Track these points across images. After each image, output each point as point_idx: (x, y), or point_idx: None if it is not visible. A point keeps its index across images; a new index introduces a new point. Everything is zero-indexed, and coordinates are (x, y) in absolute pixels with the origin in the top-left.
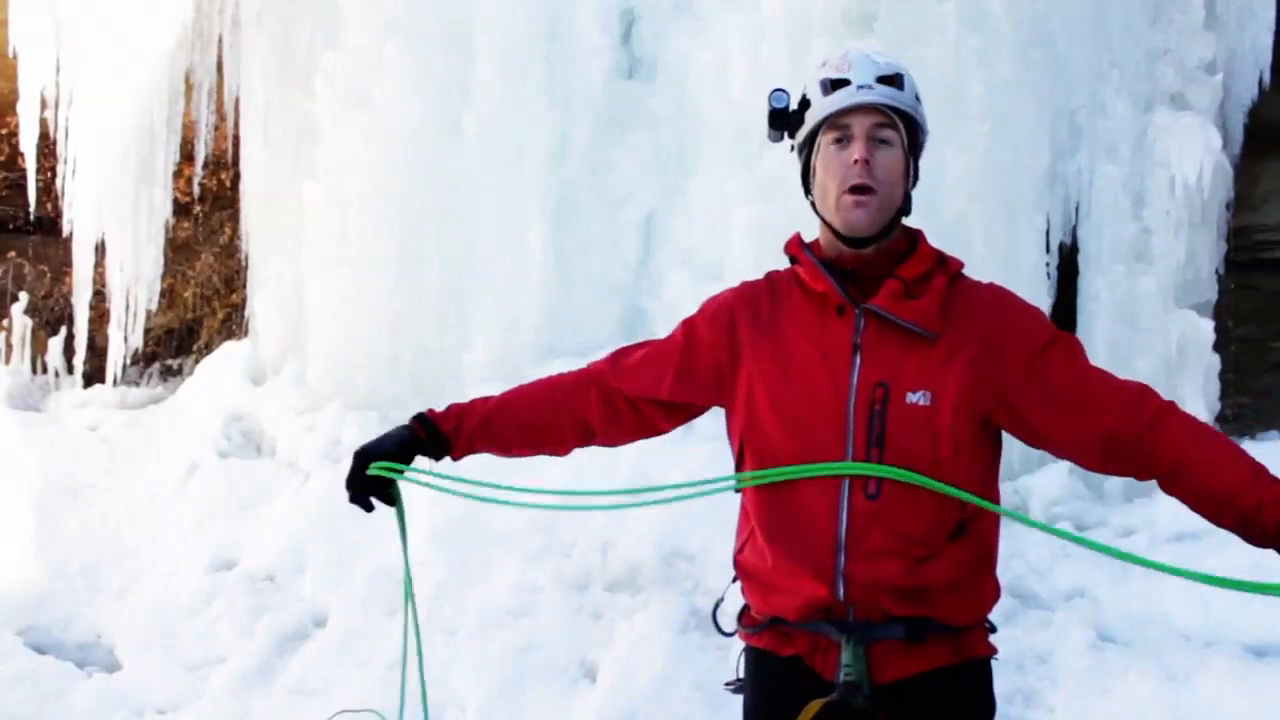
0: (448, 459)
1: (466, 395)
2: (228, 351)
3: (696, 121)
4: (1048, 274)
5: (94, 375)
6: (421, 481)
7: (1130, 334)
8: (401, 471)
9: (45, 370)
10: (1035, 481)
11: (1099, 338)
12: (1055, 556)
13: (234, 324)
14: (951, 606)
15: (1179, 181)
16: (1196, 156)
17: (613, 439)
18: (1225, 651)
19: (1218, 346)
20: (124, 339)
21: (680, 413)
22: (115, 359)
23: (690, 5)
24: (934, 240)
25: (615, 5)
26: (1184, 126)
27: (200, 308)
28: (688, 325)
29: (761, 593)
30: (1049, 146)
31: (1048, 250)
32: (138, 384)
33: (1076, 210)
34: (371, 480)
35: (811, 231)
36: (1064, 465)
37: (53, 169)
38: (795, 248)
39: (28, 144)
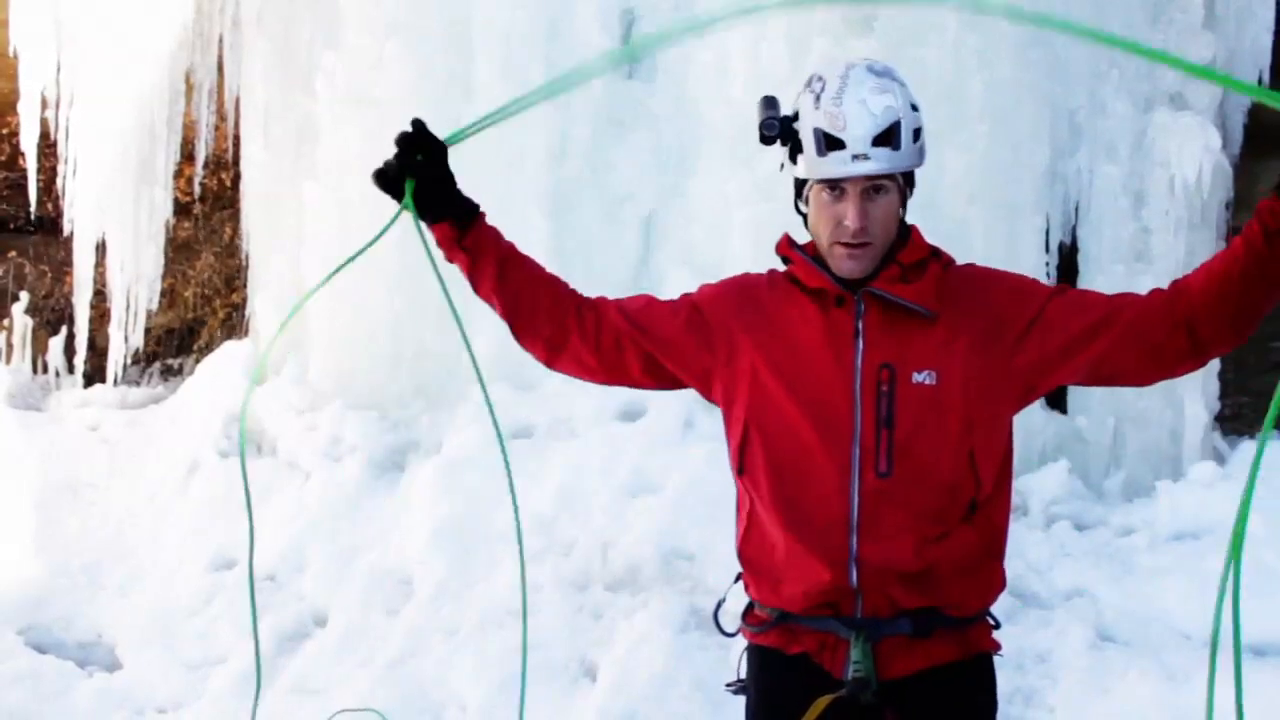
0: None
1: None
2: (228, 351)
3: (696, 121)
4: (1047, 274)
5: (94, 375)
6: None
7: None
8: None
9: (46, 370)
10: (1034, 481)
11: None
12: (1055, 556)
13: (234, 323)
14: (959, 592)
15: (1178, 181)
16: (1196, 156)
17: (579, 365)
18: (1225, 651)
19: None
20: (124, 339)
21: (659, 372)
22: (116, 358)
23: (690, 5)
24: (934, 240)
25: (615, 5)
26: (1183, 126)
27: (201, 307)
28: (691, 302)
29: (769, 584)
30: (1048, 146)
31: (1047, 250)
32: (138, 383)
33: (1076, 210)
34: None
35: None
36: (1063, 464)
37: (53, 169)
38: (786, 248)
39: (28, 144)
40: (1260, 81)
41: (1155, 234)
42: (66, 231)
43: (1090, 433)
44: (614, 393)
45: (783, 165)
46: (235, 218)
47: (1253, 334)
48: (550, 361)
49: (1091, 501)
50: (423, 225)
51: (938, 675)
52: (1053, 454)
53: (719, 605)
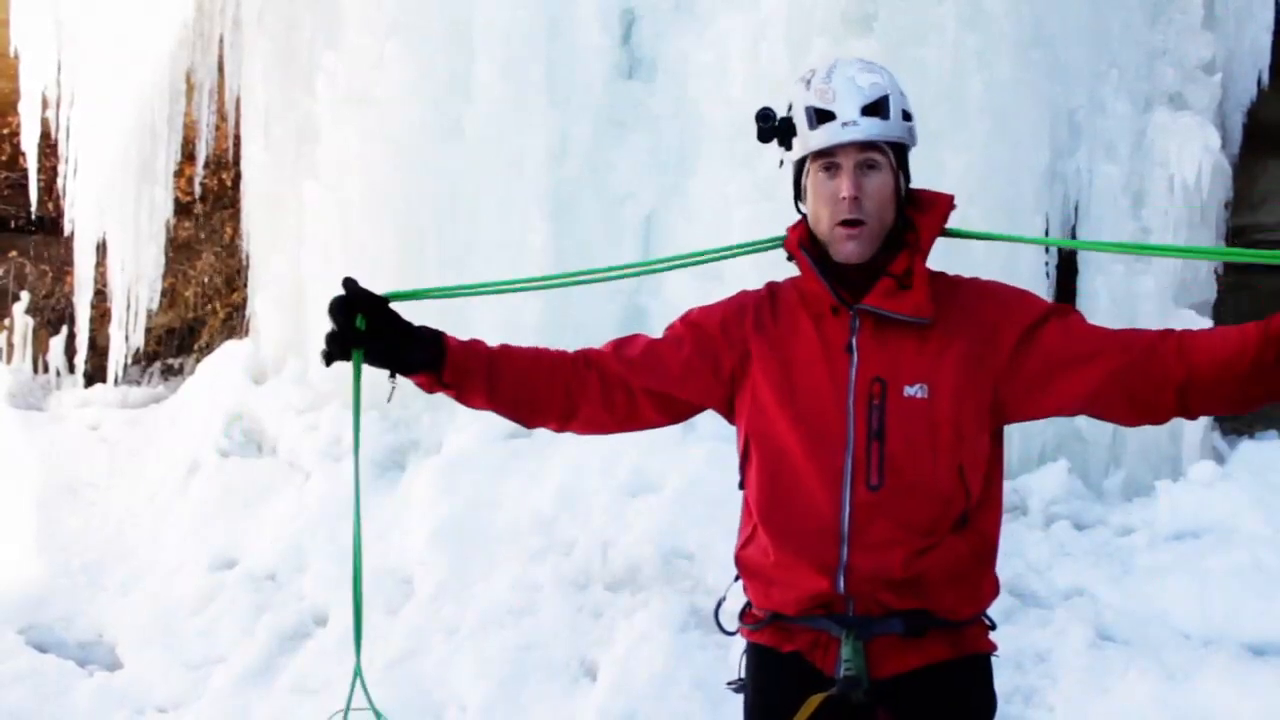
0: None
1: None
2: (229, 351)
3: (696, 121)
4: (1047, 273)
5: (95, 374)
6: (406, 296)
7: None
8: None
9: (46, 369)
10: (1034, 481)
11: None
12: (1054, 555)
13: (235, 323)
14: (949, 599)
15: (1178, 181)
16: (1195, 156)
17: (592, 425)
18: (1224, 650)
19: None
20: (125, 338)
21: (675, 408)
22: (116, 358)
23: (690, 5)
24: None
25: (615, 5)
26: (1183, 126)
27: (201, 307)
28: (692, 325)
29: (762, 588)
30: (1048, 146)
31: (1047, 250)
32: (139, 383)
33: (1076, 210)
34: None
35: None
36: (1062, 464)
37: (54, 168)
38: (794, 246)
39: (29, 144)
40: (1260, 81)
41: (1155, 234)
42: (67, 231)
43: (1090, 432)
44: None
45: (781, 162)
46: (236, 218)
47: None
48: (563, 430)
49: (1091, 501)
50: (360, 371)
51: (930, 675)
52: (1052, 453)
53: (719, 604)
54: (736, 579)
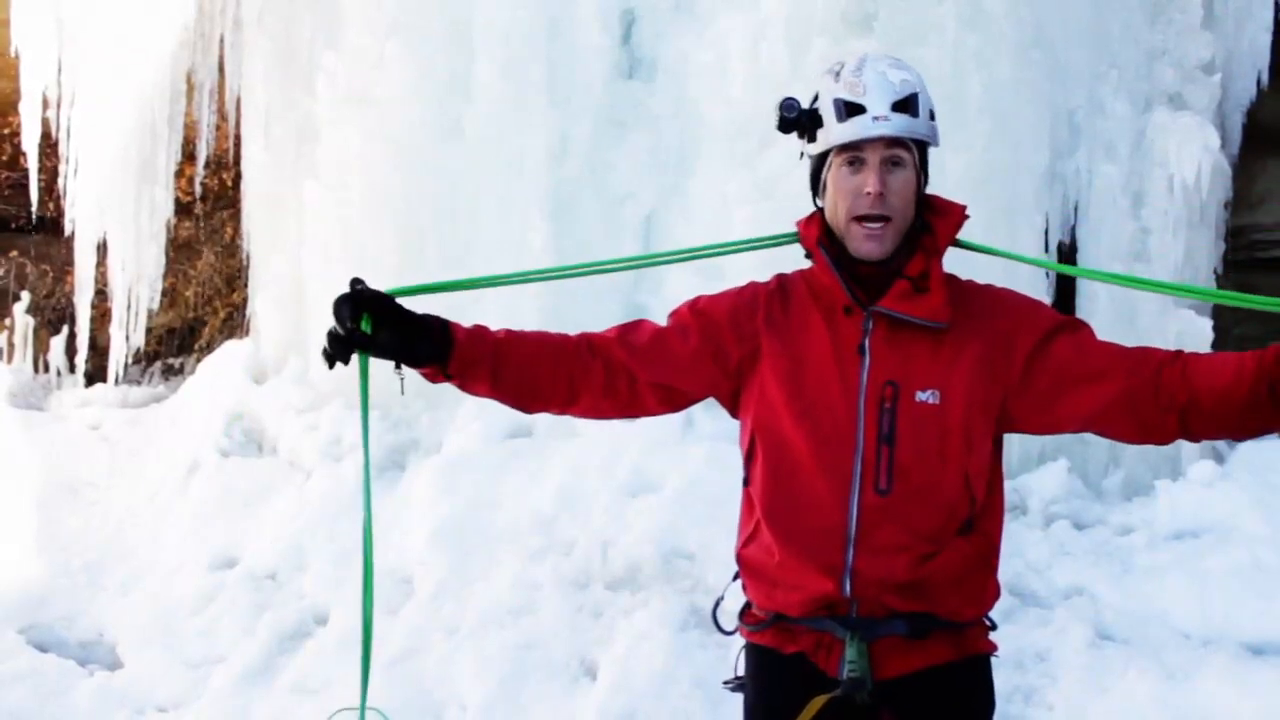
0: (406, 369)
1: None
2: (229, 350)
3: (696, 121)
4: (1046, 274)
5: (96, 374)
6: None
7: (1129, 334)
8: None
9: (47, 369)
10: (1034, 480)
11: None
12: (1054, 555)
13: (235, 323)
14: (953, 602)
15: (1177, 181)
16: (1195, 156)
17: (593, 412)
18: (1224, 650)
19: (1216, 346)
20: (125, 338)
21: (677, 398)
22: (117, 358)
23: (690, 5)
24: None
25: (615, 5)
26: (1182, 126)
27: (201, 307)
28: (700, 315)
29: (765, 589)
30: (1048, 146)
31: (1046, 250)
32: (139, 383)
33: (1075, 210)
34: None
35: None
36: (1062, 464)
37: (55, 168)
38: (812, 243)
39: (30, 144)
40: (1259, 81)
41: (1154, 234)
42: (68, 231)
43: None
44: None
45: (802, 154)
46: (236, 217)
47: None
48: (563, 413)
49: (1091, 500)
50: (368, 370)
51: (933, 676)
52: (1052, 453)
53: (717, 604)
54: (735, 578)
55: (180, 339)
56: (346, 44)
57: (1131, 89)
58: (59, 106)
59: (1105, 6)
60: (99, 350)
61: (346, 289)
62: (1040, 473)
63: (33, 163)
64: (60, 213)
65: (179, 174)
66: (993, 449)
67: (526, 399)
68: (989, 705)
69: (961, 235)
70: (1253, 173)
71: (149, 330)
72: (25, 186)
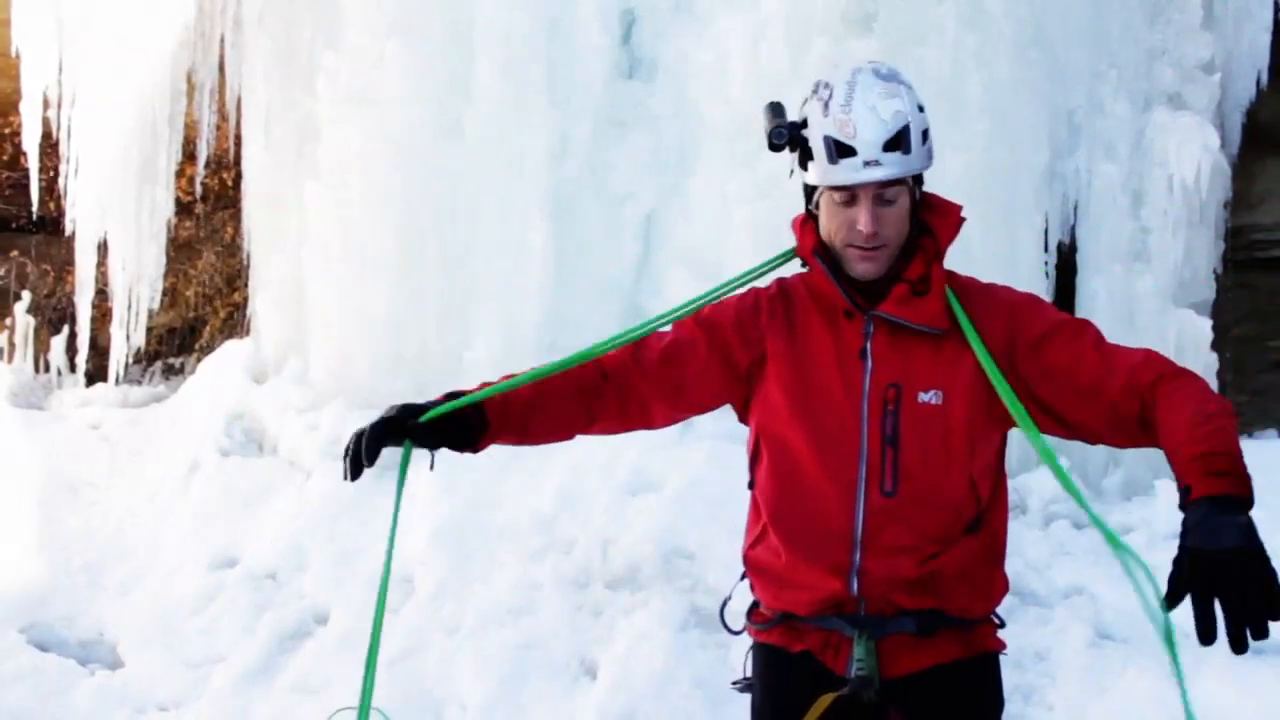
0: (430, 450)
1: None
2: (229, 350)
3: (696, 121)
4: (1046, 273)
5: (96, 374)
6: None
7: (1128, 333)
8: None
9: (48, 369)
10: (1034, 480)
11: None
12: (1054, 554)
13: (235, 323)
14: (962, 598)
15: (1177, 181)
16: (1194, 156)
17: (607, 431)
18: (1224, 649)
19: (1215, 345)
20: (126, 338)
21: (690, 410)
22: (117, 358)
23: (690, 5)
24: None
25: (615, 5)
26: (1182, 126)
27: (202, 306)
28: (706, 326)
29: (773, 589)
30: (1047, 146)
31: (1046, 249)
32: (140, 382)
33: (1075, 209)
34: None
35: None
36: (1062, 463)
37: (55, 168)
38: (808, 253)
39: (30, 143)
40: (1259, 81)
41: (1154, 233)
42: (68, 231)
43: None
44: None
45: (792, 172)
46: (236, 217)
47: None
48: (585, 434)
49: (1090, 500)
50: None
51: (942, 674)
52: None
53: (725, 603)
54: (743, 578)
55: (181, 339)
56: (347, 44)
57: (1131, 89)
58: (59, 106)
59: (1105, 6)
60: (99, 350)
61: (387, 417)
62: (1040, 472)
63: (33, 162)
64: (61, 212)
65: (179, 174)
66: (997, 447)
67: (550, 438)
68: (998, 703)
69: (961, 236)
70: (1252, 173)
71: (149, 330)
72: (26, 186)
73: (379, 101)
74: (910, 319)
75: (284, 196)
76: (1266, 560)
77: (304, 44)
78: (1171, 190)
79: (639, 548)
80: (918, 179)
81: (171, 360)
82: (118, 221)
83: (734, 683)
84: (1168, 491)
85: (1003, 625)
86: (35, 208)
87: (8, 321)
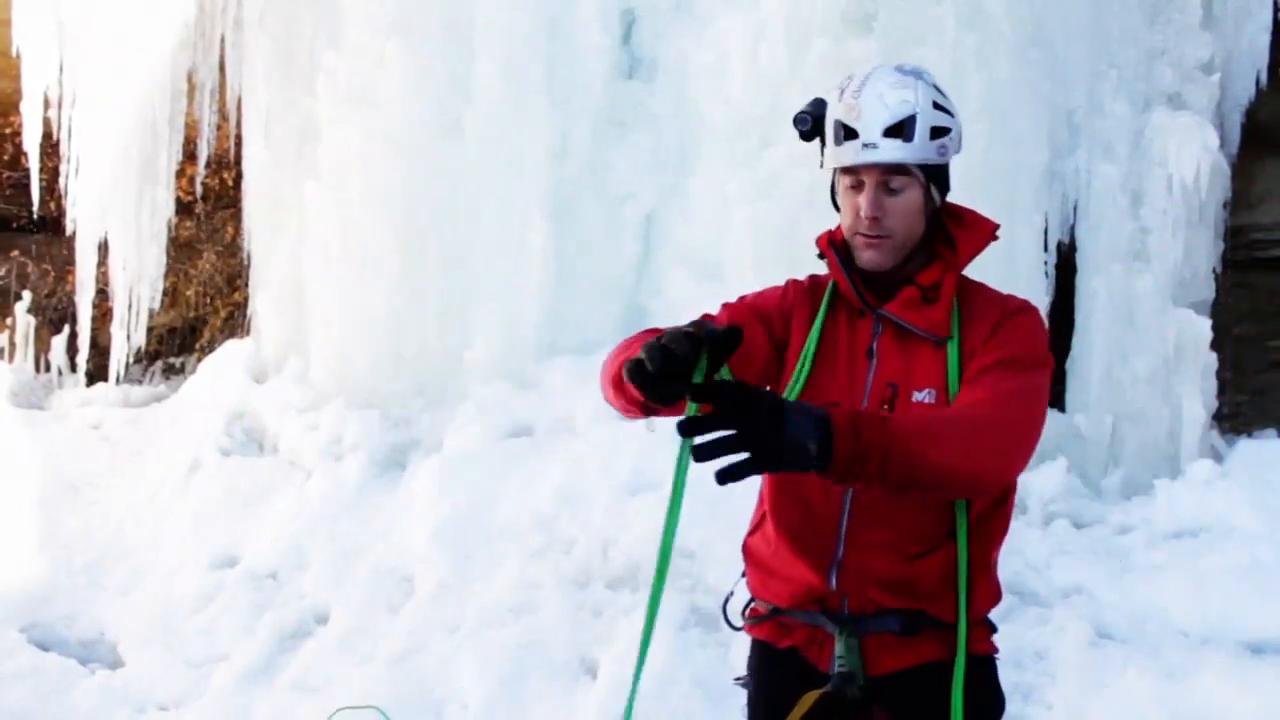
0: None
1: (469, 394)
2: (230, 350)
3: (696, 121)
4: (1045, 273)
5: (97, 373)
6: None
7: (1128, 332)
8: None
9: (48, 368)
10: (1033, 479)
11: (1097, 336)
12: (1053, 553)
13: (236, 322)
14: (944, 601)
15: (1176, 181)
16: (1194, 156)
17: (644, 414)
18: (1222, 649)
19: (1215, 345)
20: (127, 337)
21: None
22: (118, 357)
23: (690, 5)
24: None
25: (615, 5)
26: (1181, 126)
27: (202, 306)
28: (752, 307)
29: (761, 578)
30: (1047, 146)
31: (1045, 249)
32: (140, 382)
33: (1075, 209)
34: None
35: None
36: (1061, 463)
37: (56, 168)
38: (825, 244)
39: (31, 143)
40: (1258, 81)
41: (1153, 233)
42: (69, 231)
43: (1089, 431)
44: None
45: (821, 163)
46: (237, 217)
47: None
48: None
49: (1090, 499)
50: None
51: (928, 674)
52: (1051, 452)
53: (727, 599)
54: (742, 575)
55: (181, 338)
56: (347, 44)
57: (1131, 89)
58: (60, 106)
59: (1104, 6)
60: (100, 349)
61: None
62: (1039, 472)
63: (34, 162)
64: (61, 212)
65: (180, 174)
66: None
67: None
68: (992, 706)
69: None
70: (1251, 173)
71: (150, 330)
72: (27, 186)
73: (379, 101)
74: (914, 323)
75: (284, 196)
76: (783, 428)
77: (304, 44)
78: (1171, 190)
79: (639, 547)
80: (935, 179)
81: (172, 360)
82: (118, 221)
83: (736, 679)
84: (1167, 491)
85: (994, 630)
86: (36, 207)
87: (8, 321)
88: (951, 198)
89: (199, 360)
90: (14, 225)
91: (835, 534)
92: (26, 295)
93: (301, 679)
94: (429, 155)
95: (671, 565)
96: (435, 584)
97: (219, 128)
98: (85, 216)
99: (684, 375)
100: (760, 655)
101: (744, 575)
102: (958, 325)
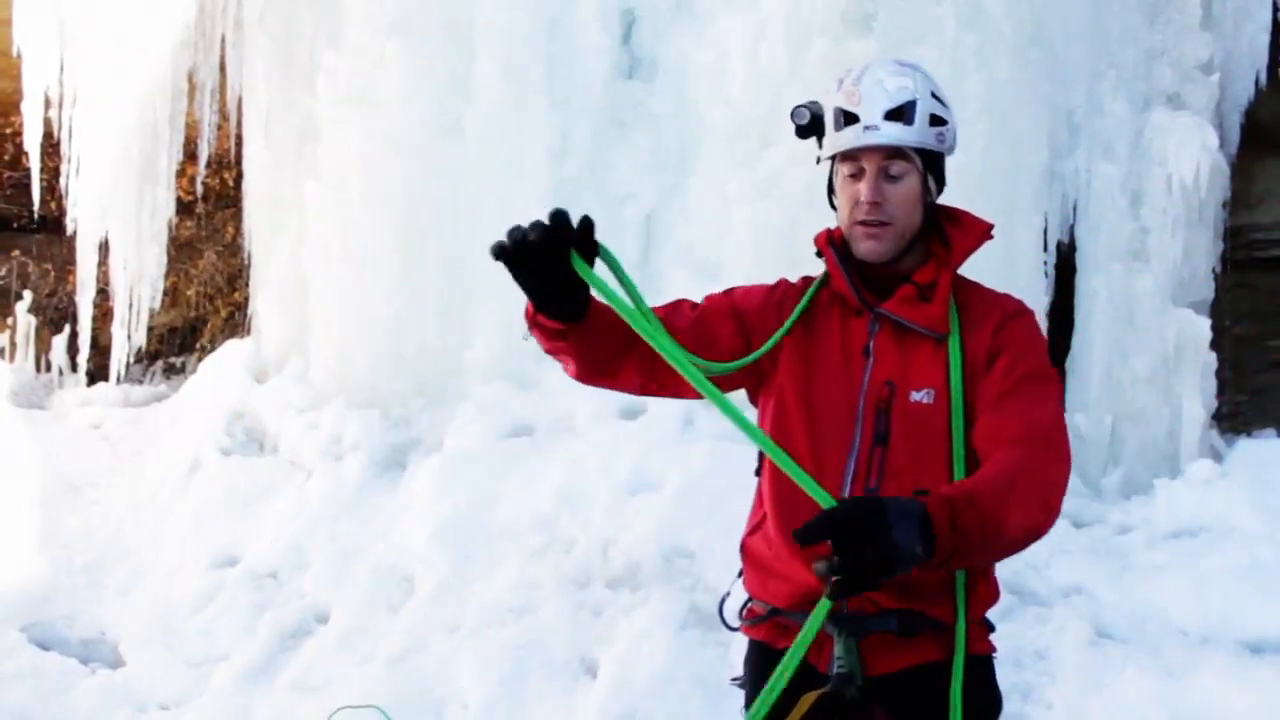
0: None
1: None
2: (230, 349)
3: (696, 121)
4: (1045, 273)
5: (97, 373)
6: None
7: (1128, 332)
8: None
9: (49, 368)
10: None
11: (1096, 336)
12: (1053, 553)
13: (236, 322)
14: (943, 602)
15: (1176, 181)
16: (1193, 156)
17: (629, 384)
18: (1222, 648)
19: (1214, 345)
20: (127, 337)
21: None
22: (118, 357)
23: (690, 5)
24: None
25: (615, 5)
26: (1181, 126)
27: (203, 306)
28: (735, 302)
29: (760, 578)
30: (1047, 146)
31: (1045, 249)
32: (141, 382)
33: (1074, 209)
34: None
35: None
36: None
37: (56, 168)
38: (823, 242)
39: (32, 143)
40: (1258, 81)
41: (1153, 233)
42: (70, 230)
43: (1088, 430)
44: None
45: (819, 159)
46: (237, 217)
47: None
48: (583, 379)
49: (1090, 499)
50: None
51: (926, 674)
52: None
53: (723, 599)
54: (739, 575)
55: (181, 338)
56: (347, 44)
57: (1130, 89)
58: (61, 106)
59: (1104, 6)
60: (100, 349)
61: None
62: None
63: (35, 162)
64: (62, 212)
65: (180, 173)
66: None
67: (589, 359)
68: (991, 706)
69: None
70: (1251, 172)
71: (150, 329)
72: (27, 186)
73: (379, 101)
74: (913, 320)
75: (285, 196)
76: (891, 541)
77: (304, 44)
78: (1170, 190)
79: (639, 547)
80: (932, 170)
81: (172, 359)
82: (119, 221)
83: (733, 679)
84: (1167, 491)
85: (992, 630)
86: (36, 207)
87: (9, 321)
88: (951, 197)
89: (199, 360)
90: (15, 225)
91: None
92: (27, 295)
93: (302, 679)
94: (429, 155)
95: (671, 565)
96: (435, 584)
97: (219, 128)
98: (86, 216)
99: (552, 252)
100: (758, 656)
101: (741, 575)
102: (957, 322)
